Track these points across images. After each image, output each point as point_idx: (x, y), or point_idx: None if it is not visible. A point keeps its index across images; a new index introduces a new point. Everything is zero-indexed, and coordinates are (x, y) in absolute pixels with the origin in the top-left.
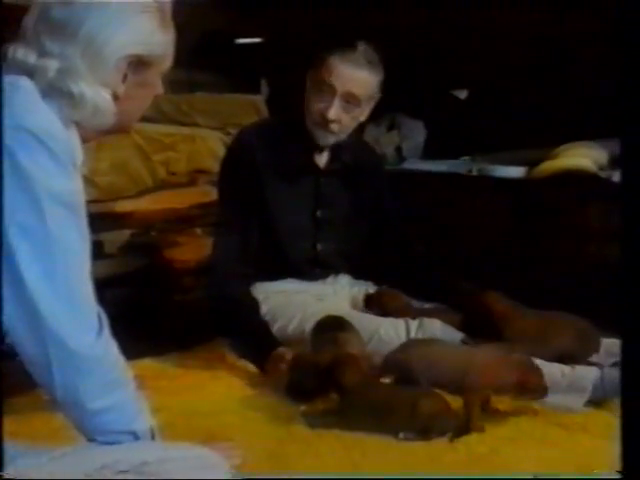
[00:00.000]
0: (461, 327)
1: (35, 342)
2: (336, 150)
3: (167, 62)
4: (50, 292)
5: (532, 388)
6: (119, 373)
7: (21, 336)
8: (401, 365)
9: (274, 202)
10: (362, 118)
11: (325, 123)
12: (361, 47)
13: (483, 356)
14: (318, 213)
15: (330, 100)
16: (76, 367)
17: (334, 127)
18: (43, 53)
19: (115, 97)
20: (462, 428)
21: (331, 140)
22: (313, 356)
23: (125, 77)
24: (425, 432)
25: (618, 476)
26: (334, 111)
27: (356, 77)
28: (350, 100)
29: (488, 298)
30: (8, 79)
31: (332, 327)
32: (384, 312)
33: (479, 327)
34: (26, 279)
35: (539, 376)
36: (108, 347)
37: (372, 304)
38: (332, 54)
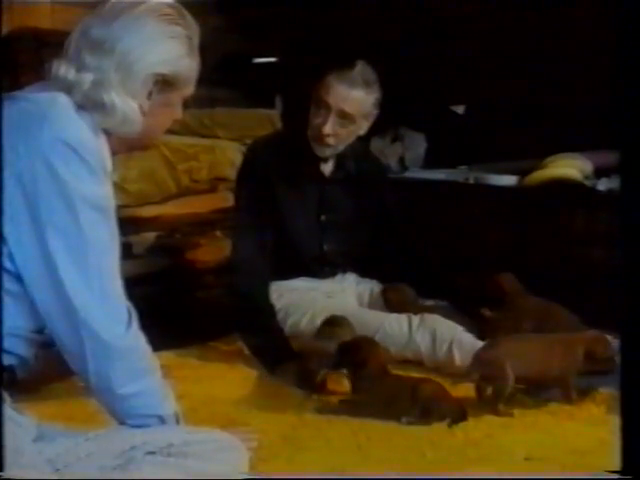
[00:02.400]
0: (471, 304)
1: (70, 333)
2: (341, 160)
3: (189, 87)
4: (84, 287)
5: (600, 357)
6: (147, 362)
7: (58, 328)
8: (493, 362)
9: (284, 207)
10: (361, 132)
11: (321, 137)
12: (358, 66)
13: (558, 342)
14: (322, 217)
15: (326, 116)
16: (108, 356)
17: (329, 140)
18: (81, 67)
19: (141, 111)
20: (460, 414)
21: (327, 152)
22: (319, 347)
23: (150, 94)
24: (425, 416)
25: (617, 475)
26: (329, 126)
27: (351, 96)
28: (345, 117)
29: (503, 278)
30: (48, 95)
31: (330, 324)
32: (394, 305)
33: (491, 303)
34: (62, 276)
35: (605, 345)
36: (137, 338)
37: (387, 297)
38: (330, 73)
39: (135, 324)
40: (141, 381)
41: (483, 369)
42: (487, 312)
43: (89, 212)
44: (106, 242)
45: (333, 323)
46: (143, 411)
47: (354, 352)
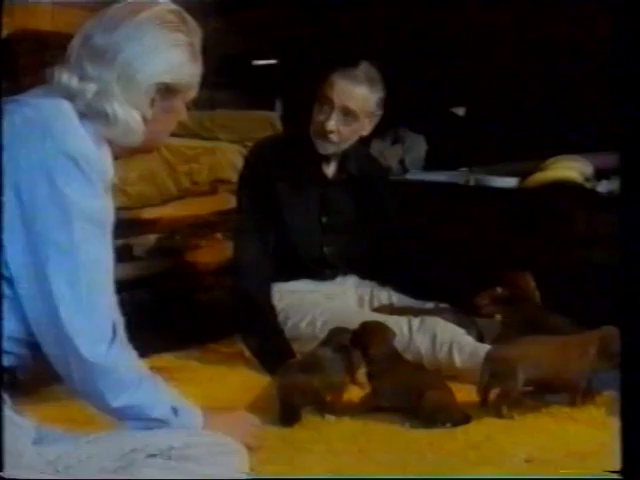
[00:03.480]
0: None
1: (56, 346)
2: (343, 161)
3: (192, 92)
4: (72, 301)
5: (614, 352)
6: (133, 374)
7: (45, 339)
8: (505, 362)
9: (286, 209)
10: (364, 132)
11: (324, 133)
12: (362, 65)
13: (572, 343)
14: (323, 220)
15: (329, 113)
16: (89, 373)
17: (333, 137)
18: (84, 77)
19: (143, 119)
20: (463, 419)
21: (330, 150)
22: (302, 382)
23: (153, 102)
24: (429, 423)
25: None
26: (332, 122)
27: (354, 93)
28: (348, 114)
29: (522, 277)
30: (51, 102)
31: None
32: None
33: (507, 300)
34: (53, 288)
35: (618, 339)
36: (120, 354)
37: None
38: (334, 71)
39: (119, 339)
40: (127, 394)
41: (494, 368)
42: (482, 300)
43: (85, 226)
44: (100, 256)
45: (336, 335)
46: (137, 417)
47: (364, 333)
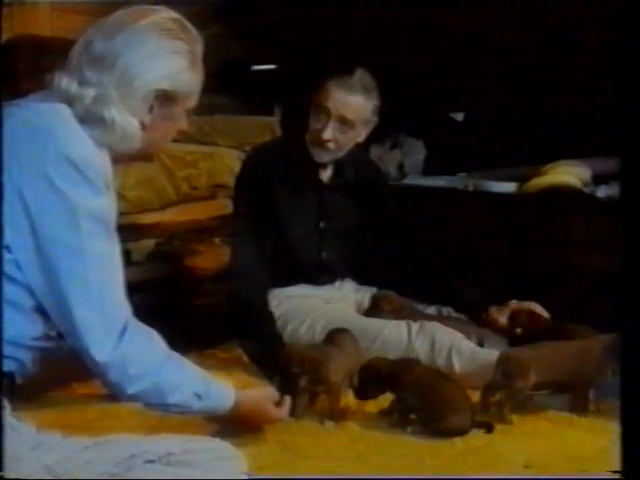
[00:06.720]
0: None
1: (73, 343)
2: (339, 166)
3: (193, 100)
4: (84, 299)
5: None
6: (149, 363)
7: (65, 336)
8: (519, 363)
9: (283, 214)
10: (359, 139)
11: (321, 142)
12: (358, 73)
13: (585, 348)
14: (321, 224)
15: (325, 121)
16: (101, 368)
17: (329, 146)
18: (83, 82)
19: (142, 126)
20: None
21: (326, 158)
22: (302, 350)
23: (151, 108)
24: (439, 436)
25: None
26: (328, 132)
27: (350, 102)
28: (345, 123)
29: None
30: (51, 106)
31: (332, 337)
32: (390, 312)
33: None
34: (64, 289)
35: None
36: (131, 346)
37: (379, 306)
38: (330, 79)
39: (130, 331)
40: (142, 381)
41: (506, 367)
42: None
43: (92, 225)
44: (108, 253)
45: (335, 335)
46: (155, 402)
47: (391, 373)
